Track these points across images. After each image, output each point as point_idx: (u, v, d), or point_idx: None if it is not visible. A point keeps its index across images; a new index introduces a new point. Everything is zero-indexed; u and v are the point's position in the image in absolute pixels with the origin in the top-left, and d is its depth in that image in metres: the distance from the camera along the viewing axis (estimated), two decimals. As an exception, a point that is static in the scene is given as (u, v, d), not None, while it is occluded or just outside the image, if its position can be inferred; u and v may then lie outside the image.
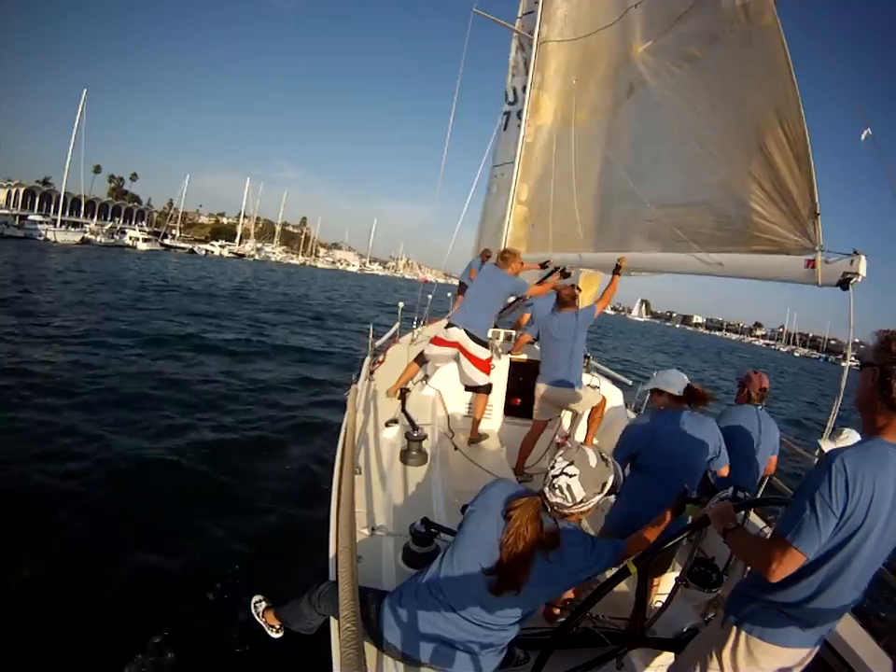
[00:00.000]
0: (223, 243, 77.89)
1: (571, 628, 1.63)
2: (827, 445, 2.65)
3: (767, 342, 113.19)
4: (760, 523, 2.66)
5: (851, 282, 2.18)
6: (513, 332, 5.53)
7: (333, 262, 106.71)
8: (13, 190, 62.81)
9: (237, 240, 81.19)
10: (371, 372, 4.41)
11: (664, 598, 1.95)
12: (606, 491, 1.56)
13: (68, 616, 2.81)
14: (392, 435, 3.06)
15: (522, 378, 4.30)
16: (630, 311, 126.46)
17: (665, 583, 2.22)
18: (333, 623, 1.63)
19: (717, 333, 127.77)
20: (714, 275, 2.87)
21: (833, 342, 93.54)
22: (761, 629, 1.39)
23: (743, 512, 2.00)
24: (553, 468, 1.56)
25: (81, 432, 5.13)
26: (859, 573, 1.31)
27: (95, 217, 66.84)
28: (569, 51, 4.68)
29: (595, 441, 3.82)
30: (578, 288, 4.40)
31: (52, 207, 56.63)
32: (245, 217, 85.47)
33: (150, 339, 10.10)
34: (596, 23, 4.22)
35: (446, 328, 3.86)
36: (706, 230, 2.94)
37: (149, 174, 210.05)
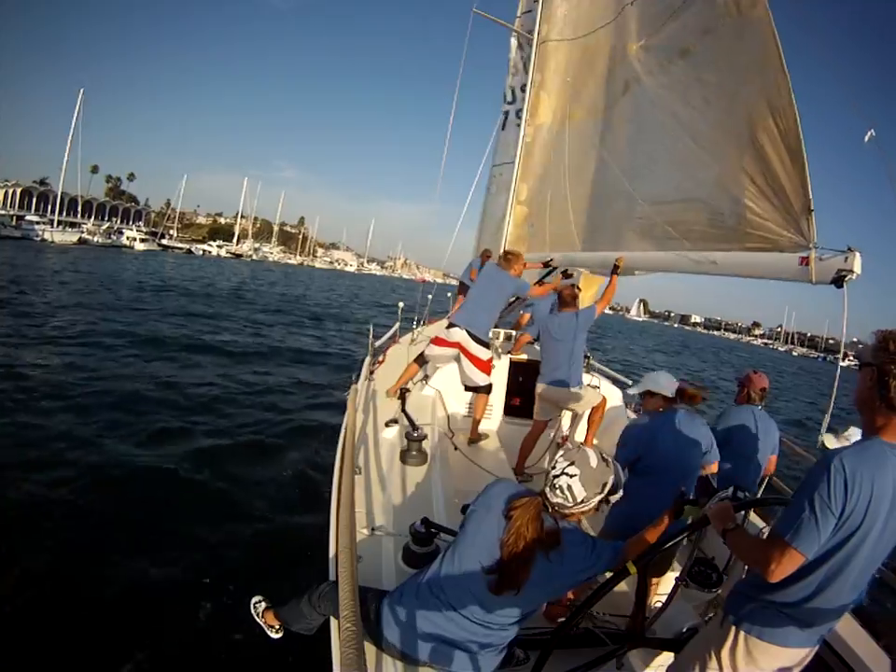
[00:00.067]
0: (220, 243, 77.66)
1: (571, 628, 1.63)
2: (831, 442, 2.64)
3: (765, 341, 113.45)
4: (760, 523, 2.66)
5: (846, 279, 2.14)
6: (513, 332, 5.54)
7: (331, 262, 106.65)
8: (10, 191, 62.67)
9: (235, 240, 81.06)
10: (371, 372, 4.41)
11: (664, 598, 1.96)
12: (606, 491, 1.56)
13: (65, 618, 2.80)
14: (392, 435, 3.06)
15: (522, 378, 4.30)
16: (628, 310, 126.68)
17: (665, 583, 2.22)
18: (333, 622, 1.63)
19: (715, 333, 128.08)
20: (708, 274, 2.85)
21: (831, 341, 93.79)
22: (760, 629, 1.39)
23: (743, 512, 2.01)
24: (553, 468, 1.57)
25: (74, 436, 5.04)
26: (858, 573, 1.31)
27: (92, 217, 66.57)
28: (569, 51, 4.69)
29: (595, 442, 3.83)
30: (578, 288, 4.40)
31: (49, 207, 56.40)
32: (242, 216, 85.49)
33: (146, 340, 10.01)
34: (595, 23, 4.23)
35: (447, 328, 3.86)
36: (699, 227, 2.92)
37: (147, 174, 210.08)
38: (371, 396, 3.74)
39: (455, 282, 7.56)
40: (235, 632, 2.72)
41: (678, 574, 1.97)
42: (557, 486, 1.53)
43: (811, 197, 2.30)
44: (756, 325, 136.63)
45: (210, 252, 69.48)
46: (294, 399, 7.60)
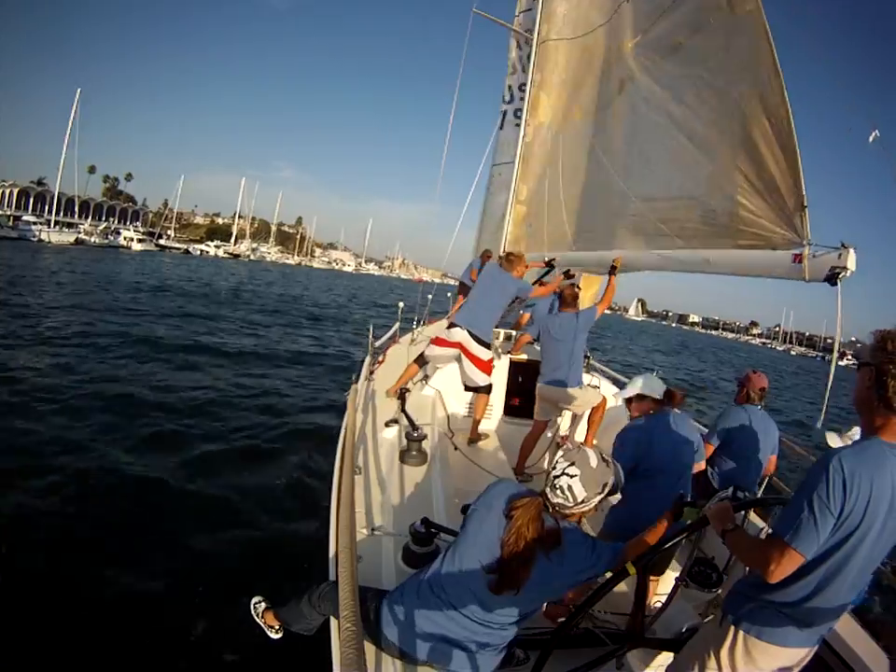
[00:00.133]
0: (218, 243, 77.48)
1: (571, 628, 1.63)
2: (834, 441, 2.65)
3: (764, 340, 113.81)
4: (760, 523, 2.66)
5: (839, 276, 2.09)
6: (513, 332, 5.54)
7: (329, 262, 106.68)
8: (7, 191, 62.43)
9: (232, 240, 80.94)
10: (371, 373, 4.40)
11: (663, 598, 1.96)
12: (606, 491, 1.57)
13: (64, 618, 2.80)
14: (392, 435, 3.06)
15: (522, 378, 4.31)
16: (626, 310, 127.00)
17: (665, 583, 2.22)
18: (333, 622, 1.63)
19: (713, 332, 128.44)
20: (702, 272, 2.85)
21: (829, 340, 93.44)
22: (759, 628, 1.39)
23: (743, 513, 2.01)
24: (554, 468, 1.57)
25: (65, 440, 4.93)
26: (856, 573, 1.31)
27: (90, 217, 66.44)
28: (568, 50, 4.68)
29: (595, 442, 3.83)
30: (578, 287, 4.41)
31: (46, 208, 56.21)
32: (240, 217, 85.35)
33: (141, 341, 9.91)
34: (594, 22, 4.22)
35: (448, 328, 3.86)
36: (691, 224, 2.90)
37: (144, 174, 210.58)
38: (370, 396, 3.74)
39: (453, 282, 7.56)
40: (235, 633, 2.71)
41: (678, 574, 1.97)
42: (558, 486, 1.53)
43: (804, 193, 2.27)
44: (754, 324, 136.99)
45: (208, 252, 69.33)
46: (291, 401, 7.54)
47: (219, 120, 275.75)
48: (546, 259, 4.45)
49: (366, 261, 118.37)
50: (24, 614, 2.78)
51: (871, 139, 2.24)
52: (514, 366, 4.37)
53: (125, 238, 57.10)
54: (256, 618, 2.15)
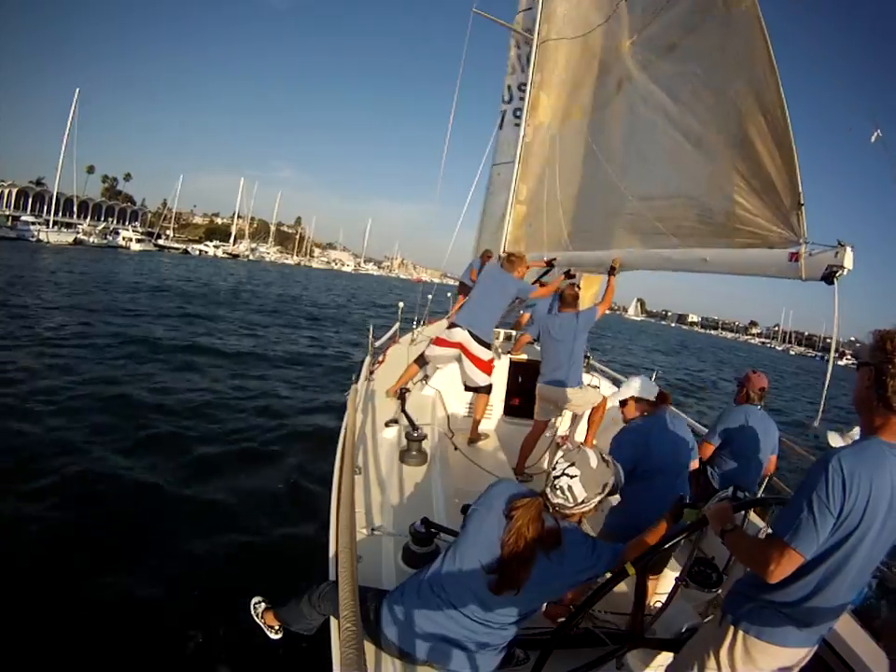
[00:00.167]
0: (217, 243, 77.42)
1: (571, 628, 1.63)
2: (836, 441, 2.65)
3: (763, 340, 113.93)
4: (760, 523, 2.66)
5: (836, 275, 2.05)
6: (513, 332, 5.54)
7: (328, 262, 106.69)
8: (6, 191, 62.32)
9: (231, 240, 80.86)
10: (371, 373, 4.41)
11: (663, 598, 1.96)
12: (607, 492, 1.57)
13: (61, 620, 2.79)
14: (392, 435, 3.06)
15: (521, 378, 4.31)
16: (626, 310, 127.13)
17: (665, 583, 2.23)
18: (333, 622, 1.63)
19: (712, 332, 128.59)
20: (699, 272, 2.83)
21: (828, 340, 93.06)
22: (758, 628, 1.39)
23: (743, 513, 2.01)
24: (554, 469, 1.58)
25: (60, 442, 4.87)
26: (856, 573, 1.31)
27: (88, 217, 66.38)
28: (569, 50, 4.67)
29: (594, 442, 3.83)
30: (578, 287, 4.41)
31: (45, 208, 56.12)
32: (239, 217, 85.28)
33: (139, 342, 9.87)
34: (594, 22, 4.22)
35: (449, 328, 3.87)
36: (687, 223, 2.89)
37: (143, 174, 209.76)
38: (370, 396, 3.74)
39: (452, 282, 7.56)
40: (235, 633, 2.72)
41: (678, 574, 1.97)
42: (558, 487, 1.54)
43: (801, 191, 2.24)
44: (753, 324, 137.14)
45: (207, 252, 69.23)
46: (289, 402, 7.49)
47: (219, 120, 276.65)
48: (546, 258, 4.46)
49: (365, 261, 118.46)
50: (21, 619, 2.76)
51: (873, 139, 2.22)
52: (514, 366, 4.37)
53: (124, 238, 57.01)
54: (255, 618, 2.14)
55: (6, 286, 15.00)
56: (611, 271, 3.53)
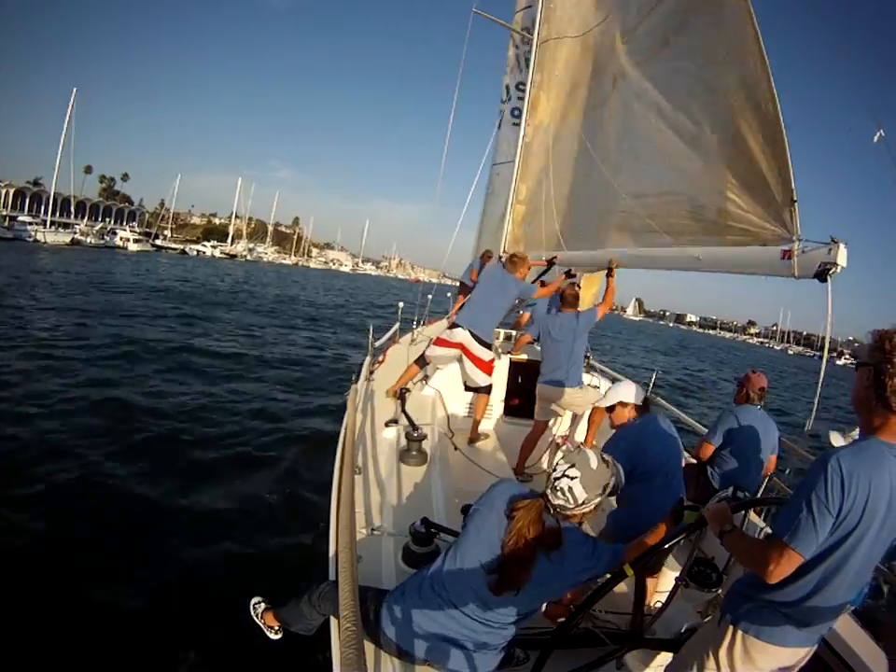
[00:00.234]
0: (215, 243, 77.22)
1: (571, 628, 1.63)
2: (837, 441, 2.65)
3: (761, 340, 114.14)
4: (760, 523, 2.67)
5: (830, 273, 2.01)
6: (513, 332, 5.55)
7: (326, 262, 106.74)
8: (2, 191, 62.00)
9: (229, 240, 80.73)
10: (371, 373, 4.41)
11: (663, 598, 1.96)
12: (607, 493, 1.58)
13: (62, 618, 2.79)
14: (392, 435, 3.05)
15: (521, 378, 4.31)
16: (624, 310, 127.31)
17: (665, 583, 2.23)
18: (333, 622, 1.63)
19: (711, 332, 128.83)
20: (692, 270, 2.80)
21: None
22: (757, 628, 1.39)
23: (742, 513, 2.01)
24: (554, 470, 1.58)
25: (54, 445, 4.82)
26: (855, 573, 1.31)
27: (86, 217, 66.20)
28: (569, 50, 4.67)
29: (594, 442, 3.83)
30: (578, 287, 4.42)
31: (42, 208, 55.98)
32: (236, 217, 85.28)
33: (134, 343, 9.74)
34: (593, 21, 4.22)
35: (450, 328, 3.87)
36: (680, 220, 2.86)
37: (141, 174, 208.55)
38: (370, 396, 3.74)
39: (451, 282, 7.56)
40: (234, 633, 2.71)
41: (678, 574, 1.97)
42: (558, 488, 1.54)
43: (794, 188, 2.21)
44: (752, 324, 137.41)
45: (204, 253, 69.07)
46: (286, 405, 7.39)
47: (217, 120, 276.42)
48: (545, 258, 4.46)
49: (363, 261, 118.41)
50: (17, 627, 2.73)
51: (875, 139, 2.20)
52: (514, 366, 4.38)
53: (121, 238, 56.87)
54: (255, 618, 2.14)
55: (2, 286, 14.92)
56: (609, 272, 3.53)
